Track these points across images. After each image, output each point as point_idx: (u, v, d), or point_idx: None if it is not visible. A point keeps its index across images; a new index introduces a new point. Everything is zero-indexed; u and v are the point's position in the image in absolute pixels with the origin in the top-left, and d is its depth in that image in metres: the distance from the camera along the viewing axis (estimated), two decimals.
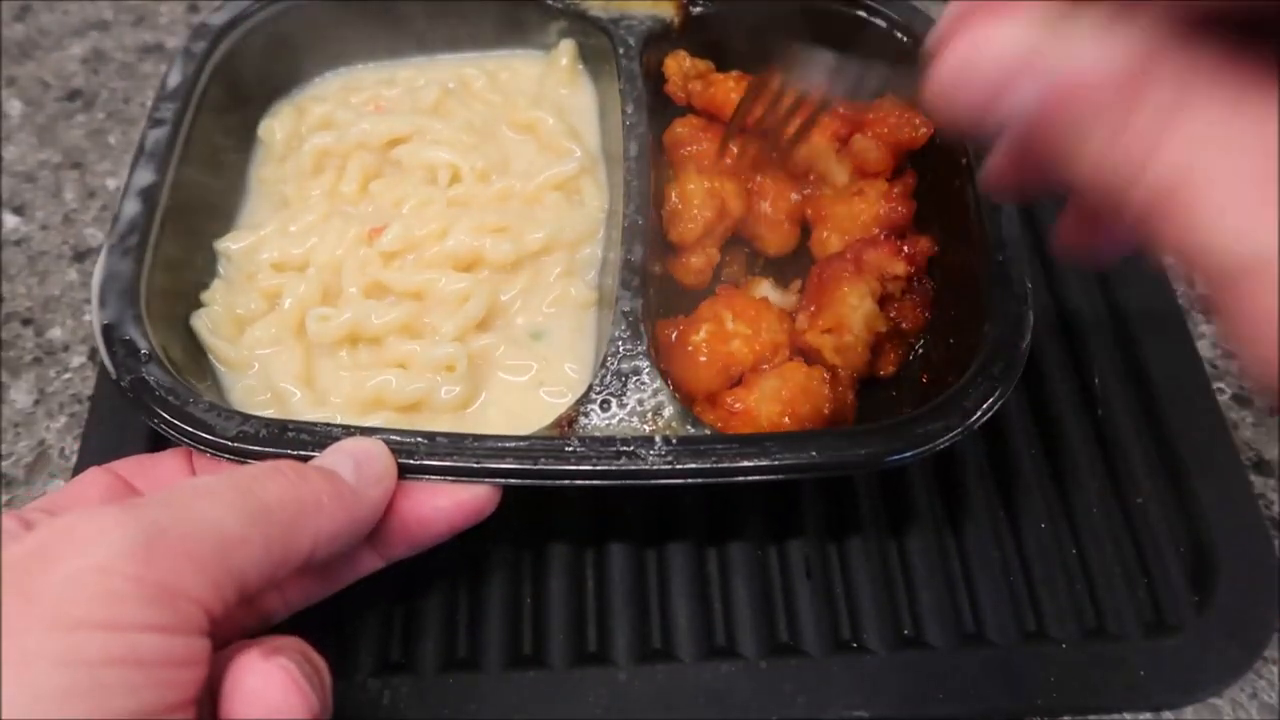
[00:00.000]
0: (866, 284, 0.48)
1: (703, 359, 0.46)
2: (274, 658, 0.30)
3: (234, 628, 0.35)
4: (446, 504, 0.38)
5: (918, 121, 0.52)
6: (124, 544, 0.27)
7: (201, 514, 0.29)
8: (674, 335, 0.47)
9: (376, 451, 0.37)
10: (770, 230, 0.53)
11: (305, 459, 0.37)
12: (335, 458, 0.36)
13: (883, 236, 0.50)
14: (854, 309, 0.47)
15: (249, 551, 0.30)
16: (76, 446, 0.50)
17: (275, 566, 0.31)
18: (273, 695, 0.29)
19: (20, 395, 0.53)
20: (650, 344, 0.43)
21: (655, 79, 0.54)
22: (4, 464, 0.51)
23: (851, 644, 0.44)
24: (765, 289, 0.52)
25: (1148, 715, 0.44)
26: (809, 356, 0.47)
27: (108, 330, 0.41)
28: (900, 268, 0.48)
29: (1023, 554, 0.46)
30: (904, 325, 0.49)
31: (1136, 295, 0.54)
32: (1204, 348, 0.55)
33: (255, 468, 0.33)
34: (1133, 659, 0.43)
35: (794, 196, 0.53)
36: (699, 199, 0.50)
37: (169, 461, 0.40)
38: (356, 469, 0.36)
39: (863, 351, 0.48)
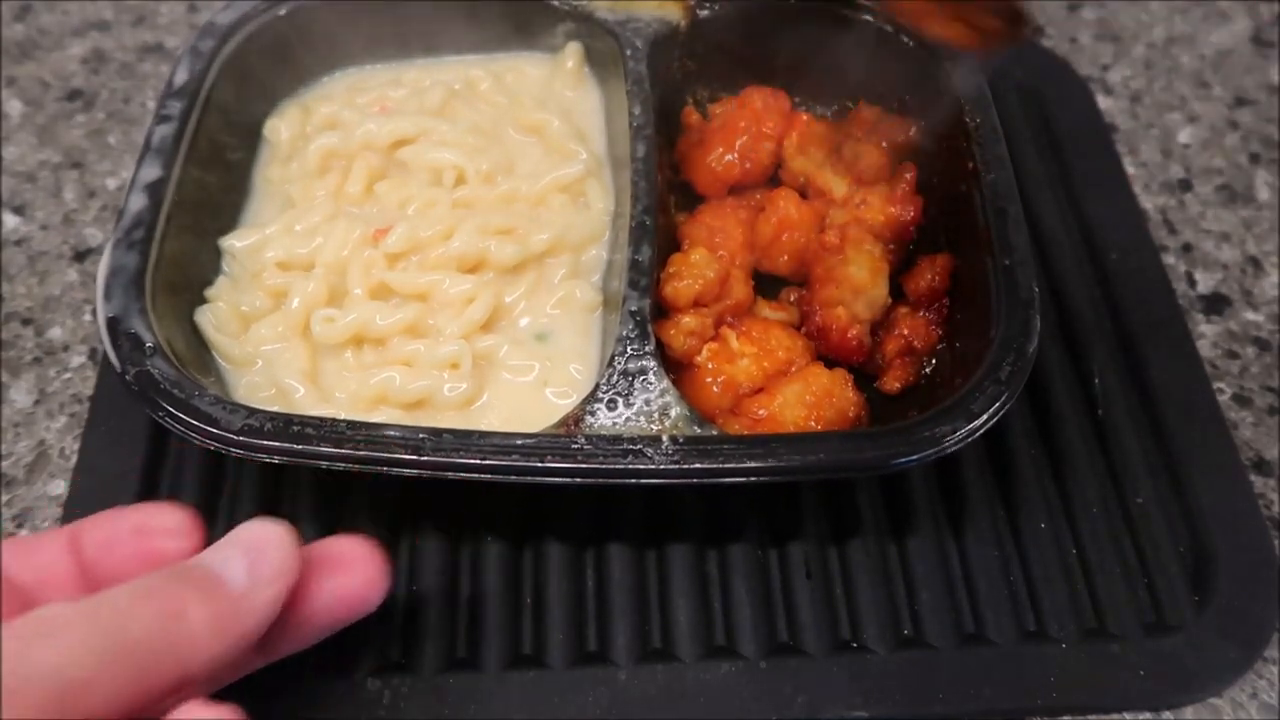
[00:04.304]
0: (863, 253, 0.48)
1: (708, 380, 0.46)
2: None
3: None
4: (326, 599, 0.35)
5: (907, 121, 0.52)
6: None
7: (41, 659, 0.27)
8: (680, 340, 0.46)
9: (275, 541, 0.33)
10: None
11: (310, 454, 0.38)
12: (225, 553, 0.32)
13: (909, 308, 0.49)
14: (857, 272, 0.48)
15: (96, 694, 0.28)
16: (76, 447, 0.49)
17: (131, 703, 0.29)
18: None
19: (20, 395, 0.53)
20: (657, 345, 0.43)
21: (662, 82, 0.54)
22: (4, 464, 0.50)
23: (851, 644, 0.44)
24: (763, 310, 0.50)
25: (1148, 715, 0.44)
26: (832, 331, 0.48)
27: (113, 323, 0.41)
28: (934, 336, 0.48)
29: (1023, 554, 0.46)
30: (916, 344, 0.48)
31: (1136, 295, 0.55)
32: (1204, 348, 0.55)
33: (126, 594, 0.30)
34: (1133, 659, 0.43)
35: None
36: (704, 261, 0.47)
37: (50, 546, 0.34)
38: (249, 568, 0.32)
39: (882, 299, 0.48)
